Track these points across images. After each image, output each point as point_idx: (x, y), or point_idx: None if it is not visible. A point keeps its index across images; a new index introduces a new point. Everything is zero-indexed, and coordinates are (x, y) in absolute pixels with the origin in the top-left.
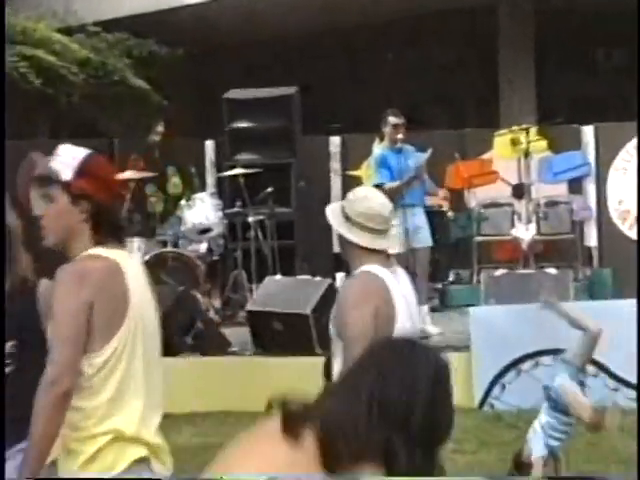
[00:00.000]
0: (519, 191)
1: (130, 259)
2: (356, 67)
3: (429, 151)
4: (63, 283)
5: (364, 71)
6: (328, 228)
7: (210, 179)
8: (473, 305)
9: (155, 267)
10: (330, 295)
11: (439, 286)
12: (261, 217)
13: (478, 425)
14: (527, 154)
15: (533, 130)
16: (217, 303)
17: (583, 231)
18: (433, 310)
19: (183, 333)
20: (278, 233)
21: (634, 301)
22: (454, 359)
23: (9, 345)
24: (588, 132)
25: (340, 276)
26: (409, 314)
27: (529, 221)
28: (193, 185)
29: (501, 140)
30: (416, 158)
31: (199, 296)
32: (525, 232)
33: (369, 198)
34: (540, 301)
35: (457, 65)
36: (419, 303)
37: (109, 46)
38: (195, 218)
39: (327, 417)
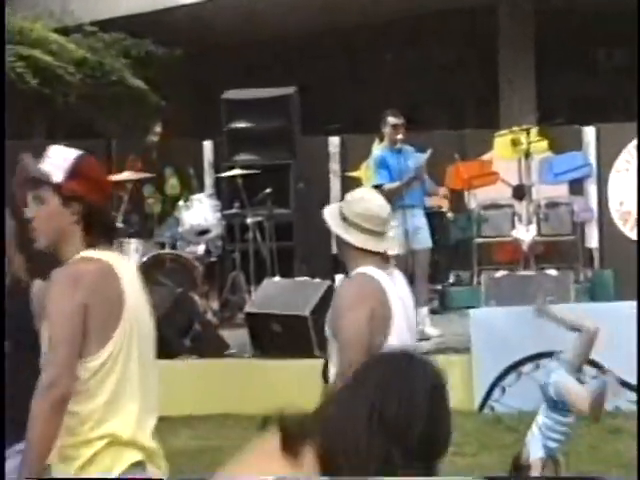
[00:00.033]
0: (519, 192)
1: (123, 261)
2: (356, 67)
3: (429, 152)
4: (57, 286)
5: (364, 71)
6: (327, 229)
7: (208, 180)
8: (473, 307)
9: (153, 269)
10: (329, 297)
11: (439, 288)
12: (260, 218)
13: (478, 428)
14: (527, 155)
15: (534, 131)
16: (215, 305)
17: (584, 232)
18: (433, 312)
19: (181, 335)
20: (277, 234)
21: (634, 303)
22: (454, 361)
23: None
24: (589, 133)
25: (339, 278)
26: (406, 316)
27: (530, 222)
28: (191, 186)
29: (501, 141)
30: (416, 159)
31: (197, 298)
32: (525, 233)
33: (367, 199)
34: (533, 308)
35: (457, 65)
36: (419, 305)
37: (106, 46)
38: (193, 219)
39: (326, 433)
